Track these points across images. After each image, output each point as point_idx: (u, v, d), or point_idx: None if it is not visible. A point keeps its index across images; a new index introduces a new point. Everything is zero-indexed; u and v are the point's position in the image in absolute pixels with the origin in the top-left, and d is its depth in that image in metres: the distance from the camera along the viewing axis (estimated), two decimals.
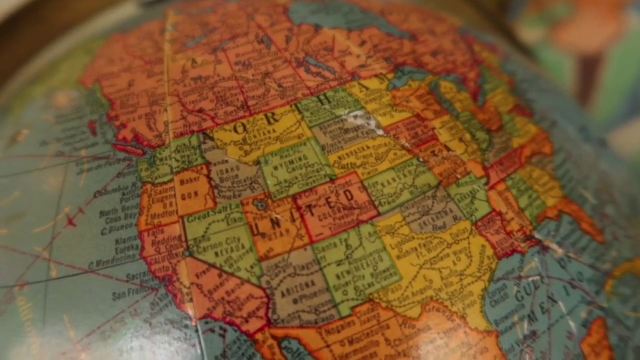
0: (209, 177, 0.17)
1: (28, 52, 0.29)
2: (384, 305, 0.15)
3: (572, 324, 0.17)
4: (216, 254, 0.16)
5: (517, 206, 0.18)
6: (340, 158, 0.17)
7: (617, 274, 0.19)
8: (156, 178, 0.17)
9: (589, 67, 0.48)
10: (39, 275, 0.17)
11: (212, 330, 0.15)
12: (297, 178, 0.17)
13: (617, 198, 0.21)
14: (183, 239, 0.16)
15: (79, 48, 0.24)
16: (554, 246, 0.18)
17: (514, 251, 0.17)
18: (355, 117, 0.18)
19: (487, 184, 0.18)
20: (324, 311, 0.15)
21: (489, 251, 0.17)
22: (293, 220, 0.16)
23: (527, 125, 0.20)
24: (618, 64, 0.47)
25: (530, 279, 0.17)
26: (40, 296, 0.16)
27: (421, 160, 0.18)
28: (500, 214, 0.17)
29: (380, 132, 0.18)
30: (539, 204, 0.18)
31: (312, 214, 0.16)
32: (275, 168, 0.17)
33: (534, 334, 0.16)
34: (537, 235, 0.18)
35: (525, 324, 0.16)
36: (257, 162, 0.17)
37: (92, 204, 0.17)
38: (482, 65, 0.22)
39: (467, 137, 0.19)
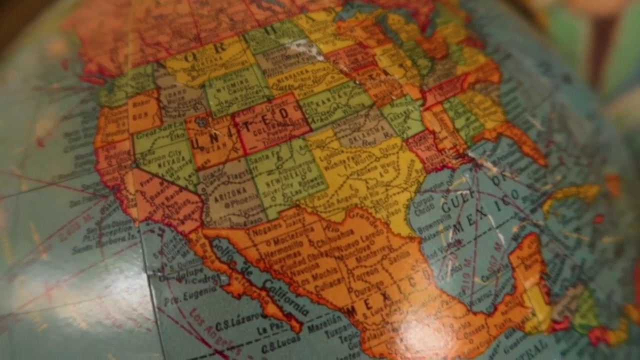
0: (158, 100, 0.18)
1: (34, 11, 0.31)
2: (309, 210, 0.17)
3: (501, 236, 0.18)
4: (159, 165, 0.17)
5: (453, 126, 0.19)
6: (279, 81, 0.18)
7: (558, 195, 0.19)
8: (113, 102, 0.19)
9: (603, 28, 0.47)
10: (13, 190, 0.19)
11: (152, 231, 0.17)
12: (237, 99, 0.18)
13: (571, 128, 0.21)
14: (131, 153, 0.18)
15: (67, 1, 0.26)
16: (488, 164, 0.18)
17: (444, 166, 0.18)
18: (298, 45, 0.19)
19: (422, 105, 0.19)
20: (253, 215, 0.16)
21: (418, 165, 0.18)
22: (230, 135, 0.17)
23: (476, 56, 0.21)
24: (633, 24, 0.46)
25: (459, 193, 0.18)
26: (12, 207, 0.18)
27: (357, 82, 0.19)
28: (433, 132, 0.18)
29: (321, 58, 0.19)
30: (476, 125, 0.19)
31: (248, 130, 0.17)
32: (218, 90, 0.18)
33: (458, 242, 0.17)
34: (471, 154, 0.18)
35: (450, 233, 0.17)
36: (202, 86, 0.18)
37: (58, 127, 0.19)
38: (438, 2, 0.22)
39: (408, 63, 0.19)
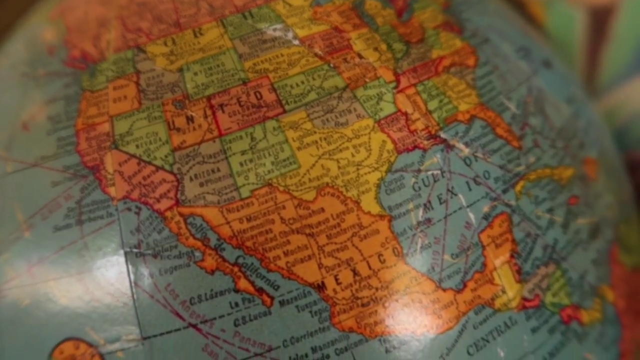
0: (137, 83, 0.19)
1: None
2: (281, 188, 0.17)
3: (471, 215, 0.18)
4: (137, 146, 0.18)
5: (425, 108, 0.19)
6: (254, 64, 0.19)
7: (532, 177, 0.20)
8: (94, 86, 0.19)
9: (600, 19, 0.47)
10: None
11: (129, 209, 0.17)
12: (213, 81, 0.18)
13: (548, 112, 0.22)
14: (111, 134, 0.18)
15: None
16: (460, 145, 0.19)
17: (416, 147, 0.18)
18: (275, 29, 0.19)
19: (395, 87, 0.19)
20: (226, 193, 0.17)
21: (389, 146, 0.18)
22: (205, 117, 0.18)
23: (452, 40, 0.21)
24: (630, 13, 0.46)
25: (430, 172, 0.18)
26: None
27: (331, 65, 0.19)
28: (405, 114, 0.19)
29: (296, 42, 0.19)
30: (449, 107, 0.19)
31: (223, 111, 0.18)
32: (195, 73, 0.19)
33: (428, 220, 0.17)
34: (443, 135, 0.19)
35: (420, 212, 0.17)
36: (180, 69, 0.19)
37: (42, 111, 0.20)
38: None
39: (383, 47, 0.20)
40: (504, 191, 0.19)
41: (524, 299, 0.18)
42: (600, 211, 0.22)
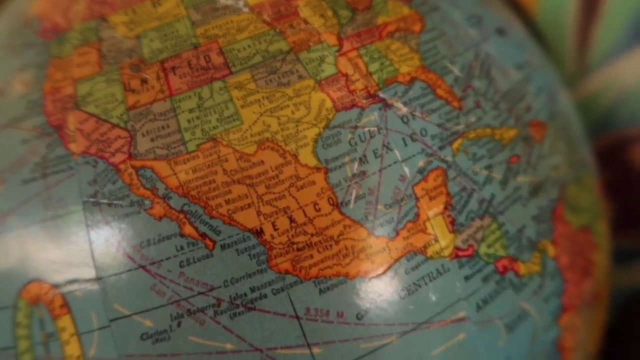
0: (99, 50, 0.20)
1: None
2: (224, 143, 0.18)
3: (406, 169, 0.19)
4: (96, 106, 0.19)
5: (366, 70, 0.20)
6: (206, 30, 0.20)
7: (470, 135, 0.21)
8: (61, 53, 0.21)
9: None
10: None
11: (87, 163, 0.19)
12: (167, 47, 0.20)
13: (494, 76, 0.22)
14: (73, 96, 0.20)
15: None
16: (399, 105, 0.20)
17: (354, 105, 0.19)
18: None
19: (338, 51, 0.20)
20: (174, 147, 0.18)
21: (328, 104, 0.19)
22: (158, 79, 0.19)
23: (399, 7, 0.22)
24: None
25: (367, 129, 0.19)
26: None
27: (278, 31, 0.20)
28: (345, 75, 0.20)
29: (246, 10, 0.21)
30: (390, 69, 0.20)
31: (175, 74, 0.19)
32: (151, 40, 0.20)
33: (363, 173, 0.19)
34: (382, 95, 0.20)
35: (356, 165, 0.19)
36: (138, 36, 0.20)
37: (16, 77, 0.21)
38: None
39: (329, 13, 0.21)
40: (441, 148, 0.20)
41: (457, 248, 0.19)
42: (544, 171, 0.23)
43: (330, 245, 0.18)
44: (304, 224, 0.18)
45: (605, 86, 0.42)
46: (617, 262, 0.40)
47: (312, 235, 0.18)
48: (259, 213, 0.18)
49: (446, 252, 0.19)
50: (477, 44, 0.23)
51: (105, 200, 0.18)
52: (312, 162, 0.18)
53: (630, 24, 0.45)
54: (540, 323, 0.21)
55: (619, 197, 0.40)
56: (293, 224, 0.18)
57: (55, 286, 0.18)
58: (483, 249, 0.20)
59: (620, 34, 0.45)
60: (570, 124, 0.26)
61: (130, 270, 0.18)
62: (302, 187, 0.18)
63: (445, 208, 0.19)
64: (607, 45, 0.45)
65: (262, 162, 0.18)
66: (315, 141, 0.19)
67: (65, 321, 0.18)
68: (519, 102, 0.23)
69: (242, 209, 0.18)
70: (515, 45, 0.25)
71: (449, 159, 0.20)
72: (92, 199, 0.18)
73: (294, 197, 0.18)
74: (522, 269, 0.21)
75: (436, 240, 0.19)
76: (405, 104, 0.20)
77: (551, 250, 0.22)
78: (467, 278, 0.20)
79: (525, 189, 0.22)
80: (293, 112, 0.19)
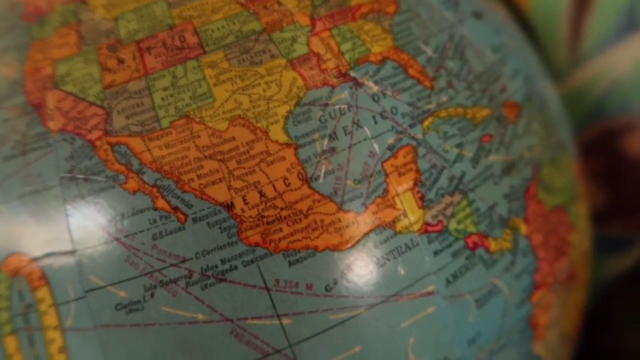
0: (78, 31, 0.21)
1: None
2: (197, 120, 0.19)
3: (375, 145, 0.20)
4: (74, 85, 0.20)
5: (338, 50, 0.20)
6: (181, 12, 0.21)
7: (442, 114, 0.21)
8: (42, 35, 0.21)
9: None
10: None
11: (65, 139, 0.19)
12: (143, 28, 0.20)
13: (468, 57, 0.23)
14: (52, 76, 0.20)
15: None
16: (370, 83, 0.20)
17: (325, 84, 0.20)
18: None
19: (310, 31, 0.20)
20: (148, 124, 0.19)
21: (299, 82, 0.20)
22: (134, 59, 0.20)
23: None
24: None
25: (337, 107, 0.20)
26: None
27: (251, 12, 0.21)
28: (317, 54, 0.20)
29: None
30: (362, 50, 0.21)
31: (150, 54, 0.20)
32: (129, 21, 0.21)
33: (332, 149, 0.19)
34: (353, 74, 0.20)
35: (325, 141, 0.19)
36: (116, 18, 0.21)
37: (0, 61, 0.22)
38: None
39: None
40: (411, 126, 0.20)
41: (427, 223, 0.20)
42: (517, 151, 0.23)
43: (300, 219, 0.19)
44: (274, 198, 0.19)
45: (597, 76, 0.42)
46: (608, 250, 0.40)
47: (281, 209, 0.19)
48: (229, 187, 0.18)
49: (415, 227, 0.20)
50: (452, 25, 0.23)
51: (81, 176, 0.19)
52: (283, 138, 0.19)
53: (622, 13, 0.45)
54: (512, 299, 0.22)
55: (610, 186, 0.40)
56: (263, 198, 0.19)
57: (34, 259, 0.19)
58: (453, 225, 0.20)
59: (612, 24, 0.45)
60: (547, 106, 0.26)
61: (105, 242, 0.18)
62: (272, 163, 0.19)
63: (415, 184, 0.20)
64: (599, 35, 0.45)
65: (234, 138, 0.19)
66: (286, 118, 0.19)
67: (43, 292, 0.19)
68: (494, 83, 0.23)
69: (213, 183, 0.18)
70: (492, 28, 0.25)
71: (419, 136, 0.20)
72: (69, 175, 0.19)
73: (264, 172, 0.19)
74: (492, 245, 0.21)
75: (405, 216, 0.20)
76: (376, 82, 0.20)
77: (523, 228, 0.22)
78: (436, 253, 0.20)
79: (497, 167, 0.22)
80: (264, 90, 0.19)
